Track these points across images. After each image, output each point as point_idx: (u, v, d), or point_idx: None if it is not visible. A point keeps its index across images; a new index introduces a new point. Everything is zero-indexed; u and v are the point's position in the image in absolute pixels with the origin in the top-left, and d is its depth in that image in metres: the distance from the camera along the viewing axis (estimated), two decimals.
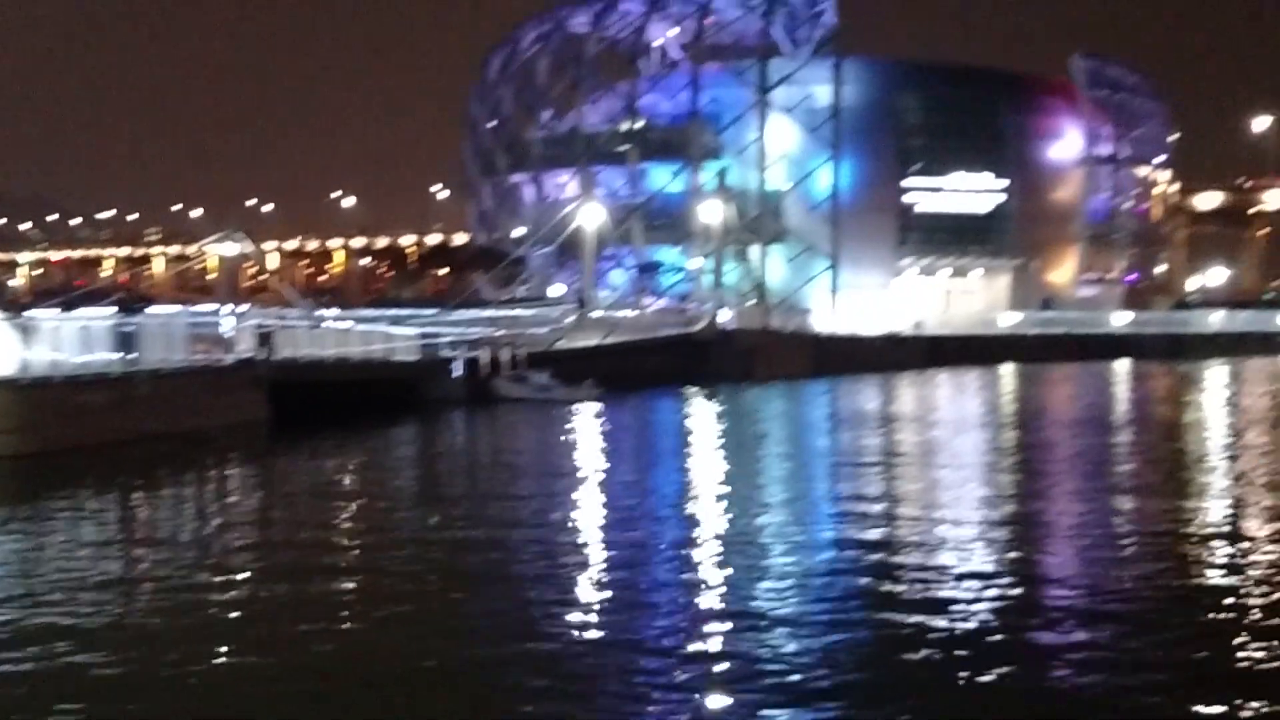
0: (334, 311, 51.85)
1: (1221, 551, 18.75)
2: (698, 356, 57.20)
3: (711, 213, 69.71)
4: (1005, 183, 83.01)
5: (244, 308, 43.19)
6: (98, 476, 26.10)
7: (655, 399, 46.42)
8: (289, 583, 16.54)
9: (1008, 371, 64.90)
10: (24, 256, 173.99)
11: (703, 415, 43.04)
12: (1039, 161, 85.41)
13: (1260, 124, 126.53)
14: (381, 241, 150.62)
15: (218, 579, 16.95)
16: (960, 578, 16.82)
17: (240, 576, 17.13)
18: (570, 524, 20.93)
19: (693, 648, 13.57)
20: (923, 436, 35.19)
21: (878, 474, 27.37)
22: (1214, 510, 22.63)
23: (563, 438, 34.92)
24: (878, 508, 22.60)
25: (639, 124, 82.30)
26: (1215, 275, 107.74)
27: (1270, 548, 19.00)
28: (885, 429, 37.20)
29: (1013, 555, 18.61)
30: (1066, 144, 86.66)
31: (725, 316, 63.24)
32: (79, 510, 22.58)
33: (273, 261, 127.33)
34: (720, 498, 23.95)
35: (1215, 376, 62.51)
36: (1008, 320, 79.84)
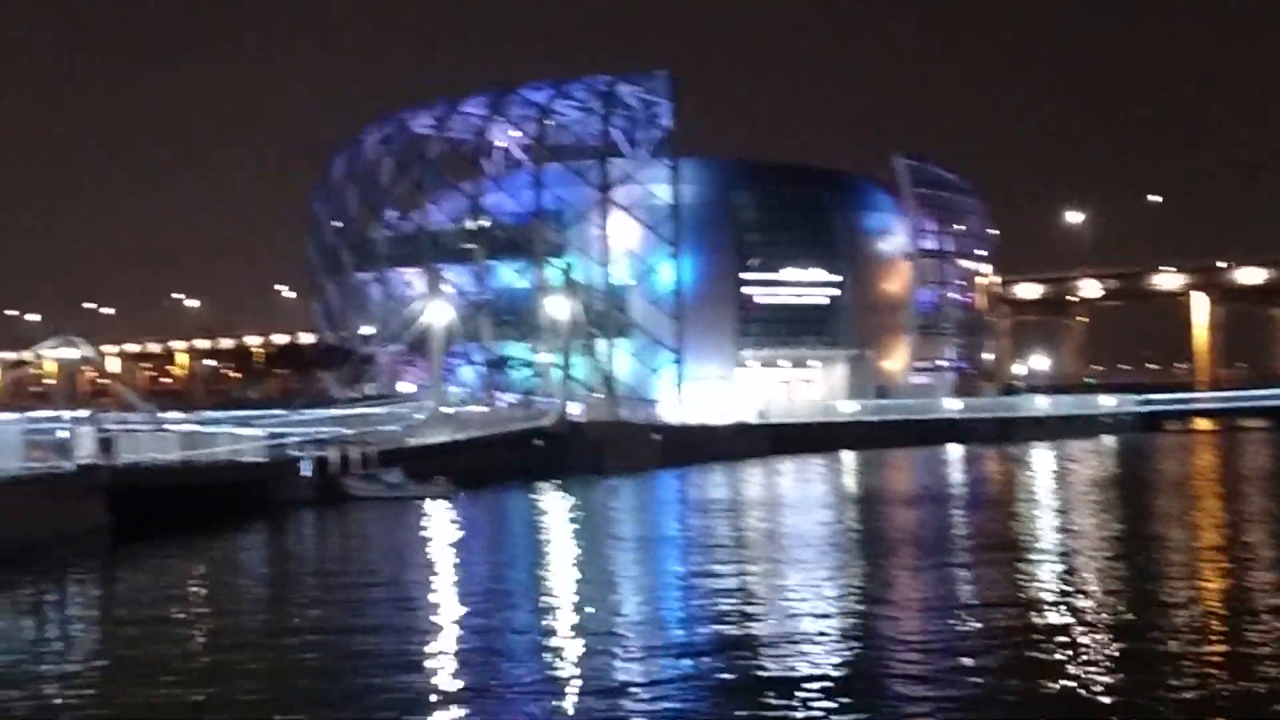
0: (178, 414, 50.91)
1: (1049, 619, 20.28)
2: (549, 450, 57.73)
3: (558, 308, 70.74)
4: (838, 276, 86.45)
5: (84, 413, 42.23)
6: None
7: (507, 494, 46.72)
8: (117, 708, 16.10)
9: (848, 458, 67.07)
10: None
11: (556, 509, 43.54)
12: (869, 256, 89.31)
13: (1073, 218, 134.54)
14: (226, 342, 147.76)
15: (51, 694, 16.71)
16: (812, 651, 17.82)
17: (69, 694, 16.76)
18: (422, 626, 20.90)
19: None
20: (781, 521, 36.34)
21: (739, 559, 28.19)
22: (1045, 580, 24.27)
23: (415, 536, 35.00)
24: (732, 589, 23.46)
25: (484, 222, 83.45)
26: (1038, 361, 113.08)
27: (1090, 621, 20.54)
28: (739, 515, 38.26)
29: (857, 626, 19.70)
30: (894, 239, 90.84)
31: (574, 410, 64.01)
32: None
33: (113, 365, 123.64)
34: (576, 591, 24.49)
35: (1041, 458, 65.69)
36: (846, 408, 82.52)
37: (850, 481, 54.35)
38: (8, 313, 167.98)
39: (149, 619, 22.55)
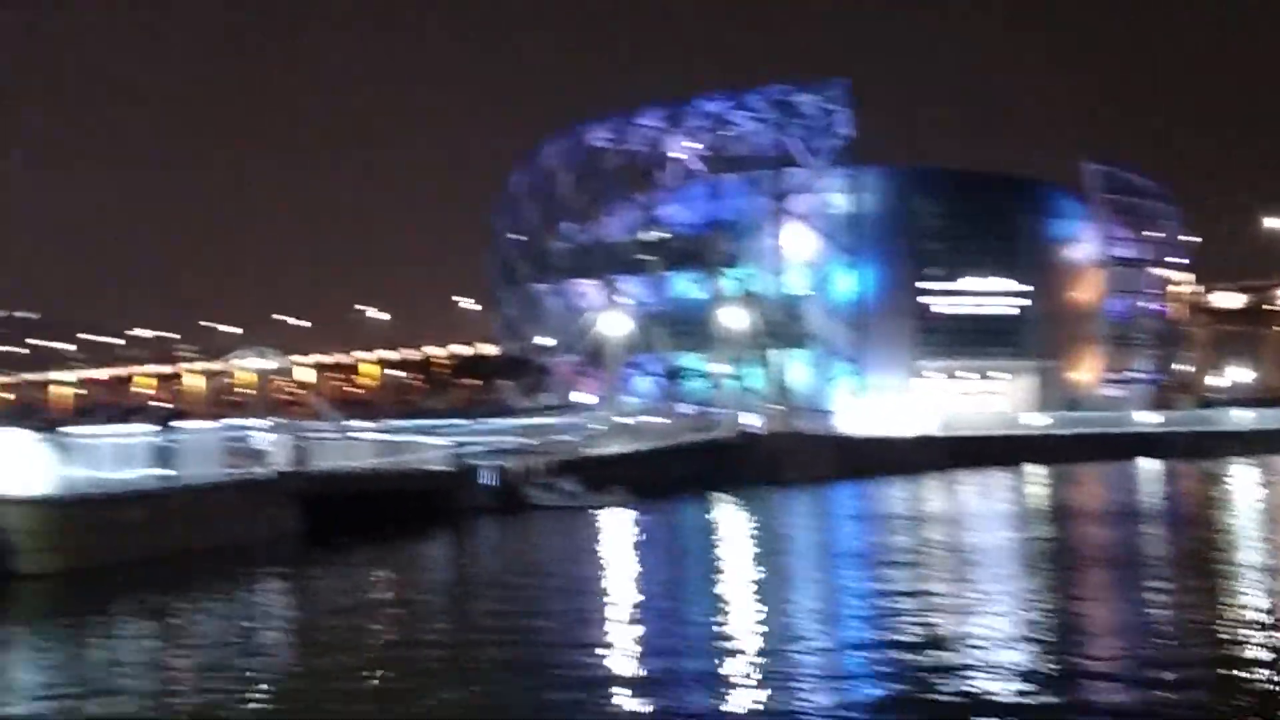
0: (365, 423, 52.47)
1: (1259, 642, 19.03)
2: (724, 461, 57.49)
3: (733, 318, 70.59)
4: (1023, 285, 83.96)
5: (277, 421, 43.82)
6: (134, 593, 26.16)
7: (683, 504, 46.64)
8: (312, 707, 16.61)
9: (1035, 472, 64.84)
10: (64, 375, 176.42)
11: (732, 520, 43.30)
12: (1056, 264, 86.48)
13: (1274, 224, 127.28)
14: (410, 353, 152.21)
15: (251, 693, 17.33)
16: (1001, 676, 17.12)
17: (260, 690, 17.39)
18: (599, 639, 20.90)
19: None
20: (962, 536, 35.38)
21: (919, 574, 27.52)
22: (1247, 607, 22.86)
23: (592, 545, 35.26)
24: (914, 608, 22.83)
25: (660, 234, 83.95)
26: (1238, 373, 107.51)
27: None
28: (920, 529, 37.37)
29: (1052, 652, 18.87)
30: (1083, 247, 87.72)
31: (750, 420, 63.63)
32: (113, 628, 22.90)
33: (304, 375, 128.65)
34: (753, 605, 24.19)
35: (1241, 474, 62.35)
36: (1031, 420, 79.91)
37: (1036, 495, 52.53)
38: (206, 324, 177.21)
39: (338, 620, 23.33)
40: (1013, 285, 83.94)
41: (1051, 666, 17.83)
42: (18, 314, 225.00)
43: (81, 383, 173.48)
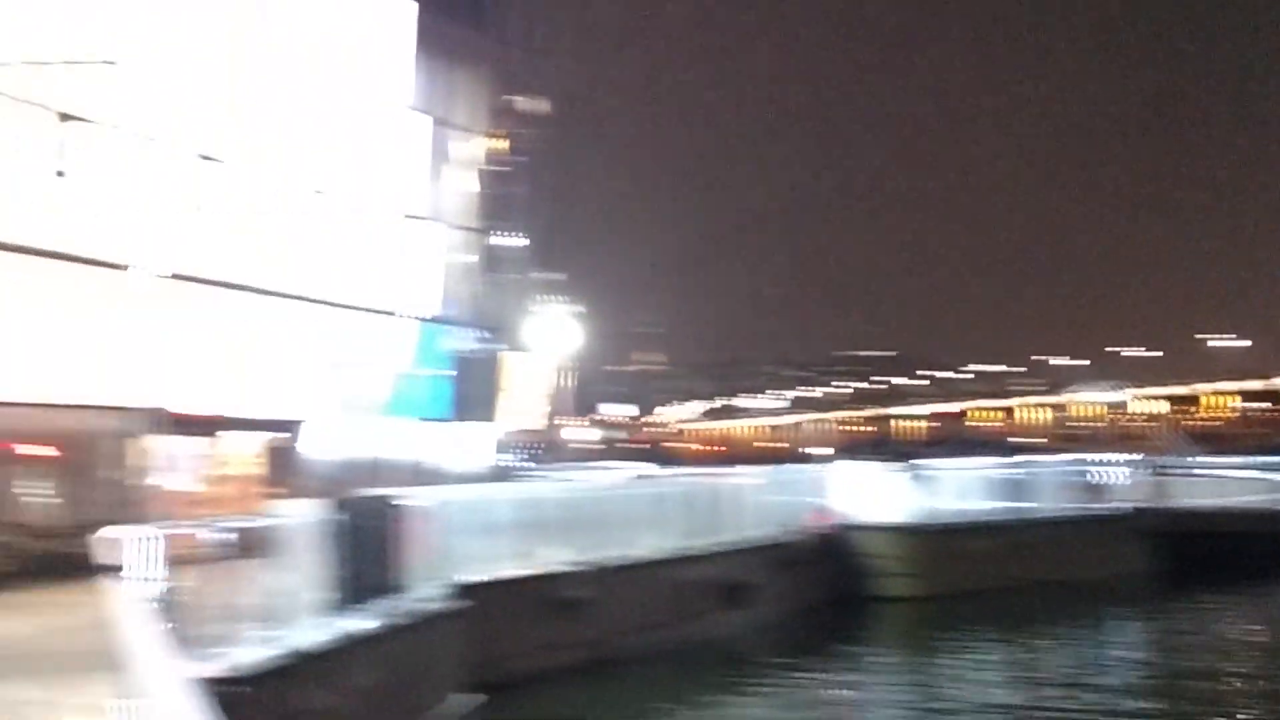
0: (1224, 458, 48.86)
1: None
2: None
3: None
4: None
5: (1124, 455, 42.58)
6: (985, 621, 27.14)
7: None
8: None
9: None
10: (915, 409, 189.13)
11: None
12: None
13: None
14: (1265, 383, 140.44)
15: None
16: None
17: None
18: None
19: None
20: None
21: None
22: None
23: None
24: None
25: None
26: None
27: None
28: None
29: None
30: None
31: None
32: (966, 651, 24.15)
33: (1145, 406, 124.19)
34: None
35: None
36: None
37: None
38: (1039, 358, 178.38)
39: (1197, 671, 22.18)
40: None
41: None
42: (876, 353, 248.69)
43: (931, 416, 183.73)
